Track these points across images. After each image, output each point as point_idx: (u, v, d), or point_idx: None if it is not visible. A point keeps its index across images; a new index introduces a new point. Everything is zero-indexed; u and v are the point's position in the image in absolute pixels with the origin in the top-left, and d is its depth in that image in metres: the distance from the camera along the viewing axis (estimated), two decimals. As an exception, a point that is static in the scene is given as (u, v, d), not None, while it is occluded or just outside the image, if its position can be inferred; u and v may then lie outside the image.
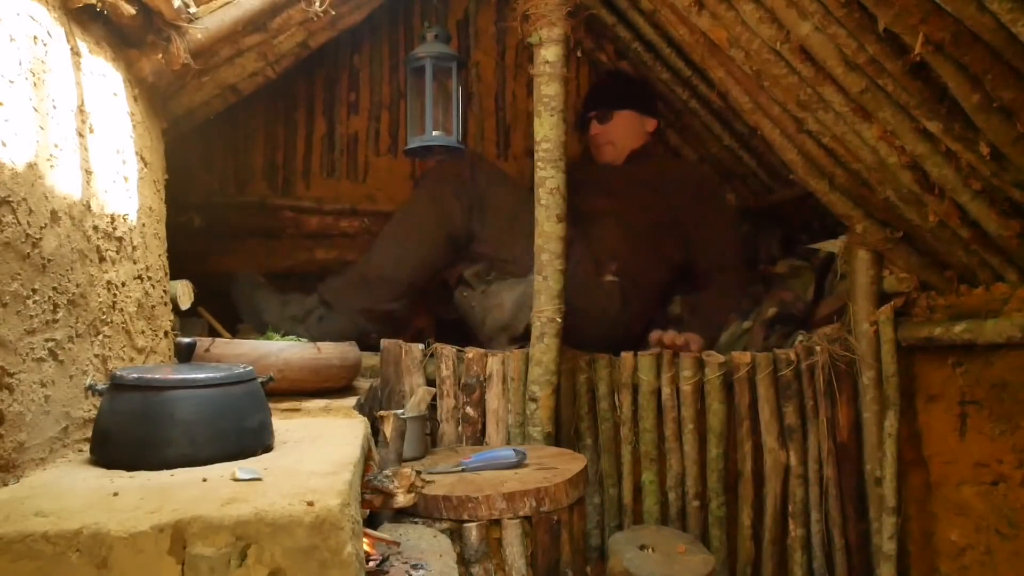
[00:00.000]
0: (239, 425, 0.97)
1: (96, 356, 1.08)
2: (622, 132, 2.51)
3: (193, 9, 1.46)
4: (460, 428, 1.92)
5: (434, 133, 2.10)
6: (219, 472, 0.87)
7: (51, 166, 0.97)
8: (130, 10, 1.24)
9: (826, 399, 2.01)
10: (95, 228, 1.11)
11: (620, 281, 2.22)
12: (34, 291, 0.91)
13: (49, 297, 0.95)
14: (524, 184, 2.35)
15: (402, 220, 2.22)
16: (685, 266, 2.42)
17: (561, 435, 1.94)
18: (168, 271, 1.49)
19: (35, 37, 0.97)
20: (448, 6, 2.61)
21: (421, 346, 1.95)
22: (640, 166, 2.47)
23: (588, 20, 2.31)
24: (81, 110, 1.10)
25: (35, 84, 0.95)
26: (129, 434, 0.91)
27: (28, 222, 0.90)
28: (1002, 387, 1.75)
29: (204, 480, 0.84)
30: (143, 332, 1.30)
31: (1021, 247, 1.61)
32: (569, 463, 1.60)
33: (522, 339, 2.02)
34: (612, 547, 1.71)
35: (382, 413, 1.50)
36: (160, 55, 1.39)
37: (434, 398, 1.87)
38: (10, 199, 0.86)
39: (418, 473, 1.20)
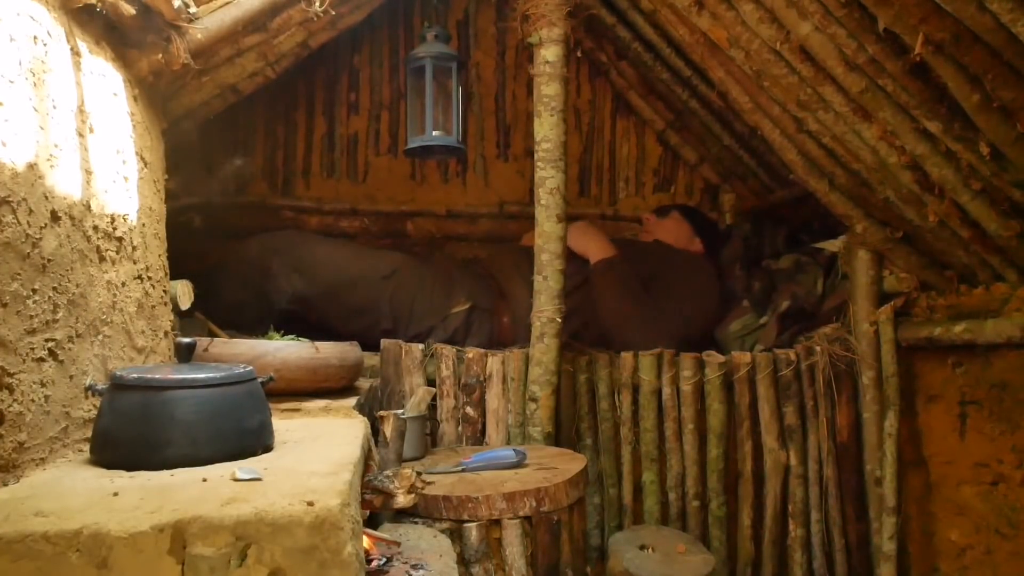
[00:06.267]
0: (239, 425, 0.96)
1: (96, 356, 1.08)
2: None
3: (193, 9, 1.46)
4: (460, 428, 1.92)
5: (434, 133, 2.10)
6: (219, 472, 0.87)
7: (51, 166, 0.97)
8: (130, 10, 1.24)
9: (826, 399, 2.01)
10: (95, 228, 1.11)
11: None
12: (34, 291, 0.91)
13: (49, 297, 0.95)
14: None
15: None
16: None
17: (561, 435, 1.94)
18: (168, 271, 1.49)
19: (35, 37, 0.97)
20: (448, 6, 2.61)
21: (421, 346, 1.94)
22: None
23: (588, 20, 2.31)
24: (81, 110, 1.10)
25: (35, 84, 0.95)
26: (129, 434, 0.91)
27: (28, 222, 0.90)
28: (1002, 387, 1.75)
29: (204, 480, 0.83)
30: (143, 332, 1.30)
31: (1021, 247, 1.61)
32: (569, 463, 1.60)
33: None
34: (612, 547, 1.71)
35: (382, 413, 1.50)
36: (160, 55, 1.38)
37: (434, 398, 1.87)
38: (10, 199, 0.86)
39: (418, 473, 1.20)
